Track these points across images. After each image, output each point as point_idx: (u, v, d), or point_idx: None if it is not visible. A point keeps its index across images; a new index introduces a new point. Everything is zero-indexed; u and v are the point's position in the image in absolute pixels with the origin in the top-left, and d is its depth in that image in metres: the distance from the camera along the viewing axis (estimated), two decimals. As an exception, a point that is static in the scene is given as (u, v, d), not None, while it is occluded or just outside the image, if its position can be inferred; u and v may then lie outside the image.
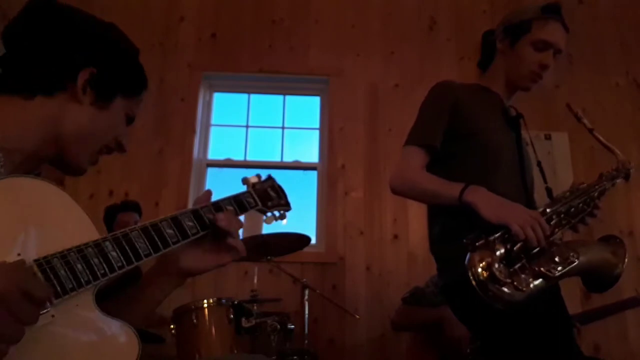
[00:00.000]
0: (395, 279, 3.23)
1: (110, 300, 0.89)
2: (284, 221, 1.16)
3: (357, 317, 2.91)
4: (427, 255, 1.65)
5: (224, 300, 2.32)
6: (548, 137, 3.49)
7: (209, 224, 0.96)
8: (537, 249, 1.33)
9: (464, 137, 1.53)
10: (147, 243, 0.87)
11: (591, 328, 2.97)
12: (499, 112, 1.61)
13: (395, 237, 3.35)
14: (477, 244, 1.28)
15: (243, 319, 2.30)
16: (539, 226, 1.31)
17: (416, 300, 2.59)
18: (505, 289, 1.25)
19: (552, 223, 1.40)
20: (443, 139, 1.53)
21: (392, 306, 2.81)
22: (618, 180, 1.60)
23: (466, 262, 1.28)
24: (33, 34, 0.90)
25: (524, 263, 1.32)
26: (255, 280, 2.74)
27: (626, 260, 1.45)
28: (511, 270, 1.29)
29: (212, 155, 3.66)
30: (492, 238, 1.29)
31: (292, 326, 2.44)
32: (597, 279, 1.48)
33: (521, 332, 1.35)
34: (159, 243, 0.89)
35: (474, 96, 1.61)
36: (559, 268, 1.33)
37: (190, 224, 0.94)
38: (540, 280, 1.31)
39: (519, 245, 1.31)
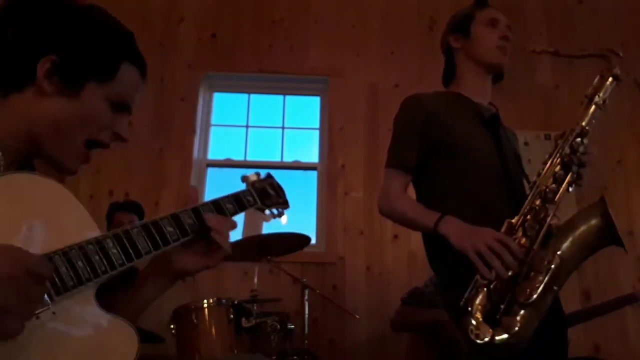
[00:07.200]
0: (395, 279, 3.23)
1: (106, 298, 0.90)
2: (283, 219, 1.17)
3: (357, 317, 2.91)
4: (427, 255, 1.65)
5: (224, 300, 2.32)
6: (548, 137, 3.47)
7: (202, 223, 0.96)
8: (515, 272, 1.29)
9: (441, 147, 1.54)
10: (148, 240, 0.87)
11: (591, 328, 2.97)
12: (474, 116, 1.60)
13: (395, 237, 3.35)
14: (459, 306, 1.29)
15: (243, 319, 2.30)
16: (506, 250, 1.27)
17: (415, 301, 2.58)
18: (505, 340, 1.25)
19: (526, 225, 1.34)
20: (421, 152, 1.54)
21: (392, 306, 2.80)
22: (608, 85, 1.52)
23: (462, 332, 1.30)
24: (2, 28, 0.86)
25: (509, 297, 1.29)
26: (255, 280, 2.74)
27: (610, 211, 1.31)
28: (498, 316, 1.27)
29: (212, 155, 3.66)
30: (467, 293, 1.30)
31: (292, 326, 2.44)
32: (607, 241, 1.35)
33: None
34: (159, 240, 0.89)
35: (446, 104, 1.61)
36: (538, 286, 1.27)
37: (190, 221, 0.94)
38: (529, 307, 1.26)
39: (495, 282, 1.29)
